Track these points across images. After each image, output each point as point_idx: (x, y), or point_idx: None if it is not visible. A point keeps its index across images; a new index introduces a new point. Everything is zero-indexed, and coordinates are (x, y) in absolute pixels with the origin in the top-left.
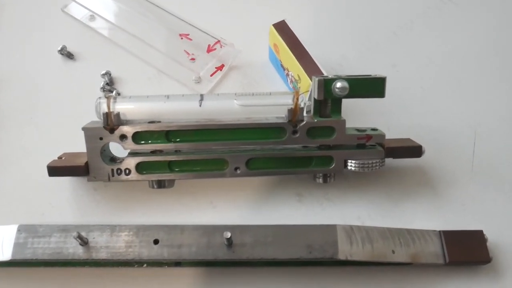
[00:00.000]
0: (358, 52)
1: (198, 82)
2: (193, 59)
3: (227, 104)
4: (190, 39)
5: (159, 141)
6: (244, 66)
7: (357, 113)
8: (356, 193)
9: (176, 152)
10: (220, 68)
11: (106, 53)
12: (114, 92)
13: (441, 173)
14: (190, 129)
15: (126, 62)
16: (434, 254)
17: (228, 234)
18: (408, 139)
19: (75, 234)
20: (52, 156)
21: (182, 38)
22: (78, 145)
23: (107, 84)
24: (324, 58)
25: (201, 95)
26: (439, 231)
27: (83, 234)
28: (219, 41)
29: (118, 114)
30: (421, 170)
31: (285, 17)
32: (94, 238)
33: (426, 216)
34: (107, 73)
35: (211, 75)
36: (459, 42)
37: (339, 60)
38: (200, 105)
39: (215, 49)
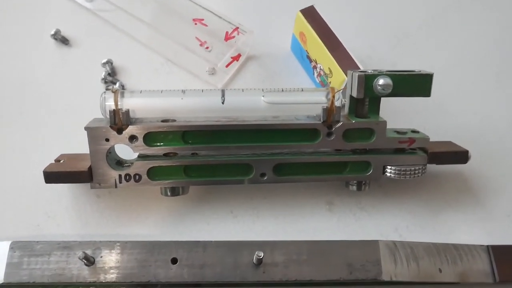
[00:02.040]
0: (389, 43)
1: (212, 73)
2: (208, 47)
3: (253, 101)
4: (205, 25)
5: (174, 143)
6: (262, 57)
7: (387, 112)
8: (392, 203)
9: (193, 155)
10: (236, 58)
11: (106, 39)
12: (117, 84)
13: (485, 181)
14: (210, 129)
15: (130, 49)
16: (483, 273)
17: (261, 254)
18: (450, 143)
19: (80, 254)
20: (47, 158)
21: (196, 24)
22: (75, 145)
23: (109, 74)
24: (351, 48)
25: (222, 91)
26: (487, 246)
27: (88, 252)
28: (237, 28)
29: (127, 112)
30: (463, 177)
31: (310, 2)
32: (101, 257)
33: (469, 228)
34: (109, 62)
35: (227, 66)
36: (500, 30)
37: (368, 51)
38: (223, 102)
39: (233, 37)
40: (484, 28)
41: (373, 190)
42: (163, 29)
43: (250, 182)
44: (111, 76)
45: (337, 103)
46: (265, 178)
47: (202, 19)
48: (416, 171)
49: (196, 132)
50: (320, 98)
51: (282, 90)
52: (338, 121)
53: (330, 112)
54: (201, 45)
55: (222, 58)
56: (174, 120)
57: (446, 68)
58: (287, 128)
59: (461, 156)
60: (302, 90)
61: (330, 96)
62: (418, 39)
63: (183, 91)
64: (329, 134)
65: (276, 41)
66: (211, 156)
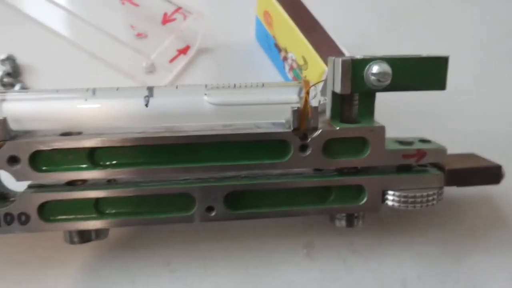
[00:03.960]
0: (381, 28)
1: (151, 71)
2: (140, 34)
3: (193, 103)
4: (136, 5)
5: (78, 165)
6: (219, 48)
7: (381, 115)
8: (397, 243)
9: (109, 183)
10: (184, 51)
11: (7, 29)
12: (17, 87)
13: None
14: (130, 145)
15: (39, 42)
16: None
17: None
18: (473, 155)
19: None
20: None
21: (124, 3)
22: None
23: (7, 74)
24: (334, 35)
25: (149, 88)
26: None
27: None
28: (180, 8)
29: (4, 121)
30: (493, 203)
31: None
32: None
33: (504, 275)
34: (10, 59)
35: (171, 61)
36: None
37: (354, 38)
38: (146, 105)
39: (174, 19)
40: (501, 6)
41: (370, 225)
42: (83, 12)
43: (190, 220)
44: (12, 77)
45: (313, 103)
46: (213, 213)
47: None
48: (429, 198)
49: (111, 150)
50: (289, 97)
51: (234, 86)
52: (315, 129)
53: (303, 116)
54: (138, 35)
55: (163, 50)
56: (80, 133)
57: (456, 58)
58: (243, 140)
59: (491, 174)
60: (263, 85)
61: (303, 93)
62: (417, 22)
63: (93, 91)
64: (303, 148)
65: (237, 27)
66: (134, 183)
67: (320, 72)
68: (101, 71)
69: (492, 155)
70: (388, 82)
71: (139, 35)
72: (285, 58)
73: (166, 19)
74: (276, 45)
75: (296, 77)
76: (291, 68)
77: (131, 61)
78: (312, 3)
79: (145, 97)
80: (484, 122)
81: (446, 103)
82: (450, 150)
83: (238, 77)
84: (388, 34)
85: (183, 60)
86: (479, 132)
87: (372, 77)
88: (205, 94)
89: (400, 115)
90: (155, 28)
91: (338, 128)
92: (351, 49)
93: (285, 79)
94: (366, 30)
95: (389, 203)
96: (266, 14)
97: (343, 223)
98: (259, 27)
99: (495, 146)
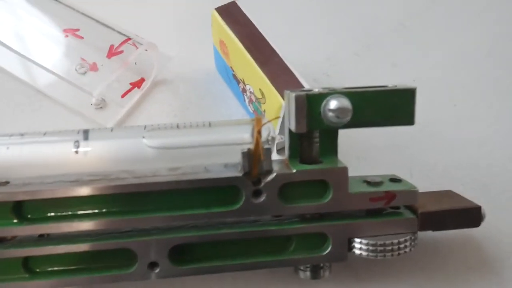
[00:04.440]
0: (352, 54)
1: (101, 107)
2: (86, 69)
3: (131, 147)
4: (81, 37)
5: (4, 220)
6: (177, 80)
7: (344, 147)
8: None
9: (40, 239)
10: (138, 84)
11: None
12: None
13: (507, 248)
14: (62, 196)
15: None
16: None
17: None
18: (450, 193)
19: None
20: None
21: (67, 36)
22: None
23: None
24: (300, 63)
25: (85, 132)
26: None
27: None
28: (128, 38)
29: None
30: (473, 244)
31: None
32: None
33: None
34: None
35: (123, 96)
36: (497, 30)
37: (324, 66)
38: (76, 151)
39: (121, 51)
40: (476, 31)
41: (338, 274)
42: (26, 46)
43: (131, 278)
44: None
45: (268, 143)
46: (157, 270)
47: (77, 29)
48: (401, 245)
49: (40, 202)
50: (239, 136)
51: (177, 127)
52: (269, 172)
53: (255, 159)
54: (84, 69)
55: (112, 84)
56: (7, 182)
57: (434, 84)
58: (187, 187)
59: (470, 216)
60: (210, 124)
61: (254, 132)
62: (392, 46)
63: (22, 135)
64: (256, 194)
65: (196, 57)
66: (68, 238)
67: (277, 107)
68: (48, 107)
69: (472, 190)
70: (348, 118)
71: (86, 70)
72: (244, 90)
73: (111, 53)
74: (234, 76)
75: (256, 111)
76: (251, 100)
77: (78, 97)
78: (275, 27)
79: (74, 142)
80: (463, 154)
81: (422, 134)
82: (427, 185)
83: (198, 110)
84: (359, 61)
85: (137, 93)
86: (458, 165)
87: (330, 114)
88: (143, 137)
89: (372, 147)
90: (103, 62)
91: (294, 170)
92: (320, 78)
93: (246, 112)
94: (335, 56)
95: (356, 251)
96: (222, 43)
97: (308, 274)
98: (217, 56)
99: (476, 180)
